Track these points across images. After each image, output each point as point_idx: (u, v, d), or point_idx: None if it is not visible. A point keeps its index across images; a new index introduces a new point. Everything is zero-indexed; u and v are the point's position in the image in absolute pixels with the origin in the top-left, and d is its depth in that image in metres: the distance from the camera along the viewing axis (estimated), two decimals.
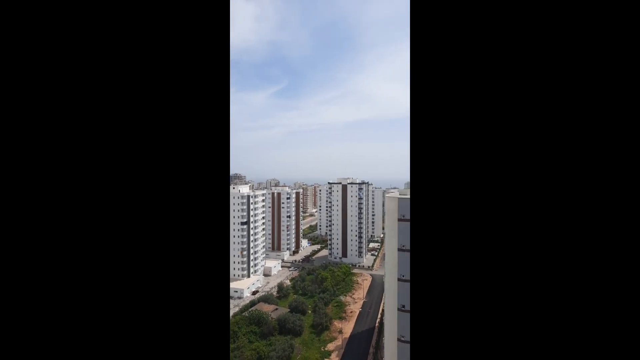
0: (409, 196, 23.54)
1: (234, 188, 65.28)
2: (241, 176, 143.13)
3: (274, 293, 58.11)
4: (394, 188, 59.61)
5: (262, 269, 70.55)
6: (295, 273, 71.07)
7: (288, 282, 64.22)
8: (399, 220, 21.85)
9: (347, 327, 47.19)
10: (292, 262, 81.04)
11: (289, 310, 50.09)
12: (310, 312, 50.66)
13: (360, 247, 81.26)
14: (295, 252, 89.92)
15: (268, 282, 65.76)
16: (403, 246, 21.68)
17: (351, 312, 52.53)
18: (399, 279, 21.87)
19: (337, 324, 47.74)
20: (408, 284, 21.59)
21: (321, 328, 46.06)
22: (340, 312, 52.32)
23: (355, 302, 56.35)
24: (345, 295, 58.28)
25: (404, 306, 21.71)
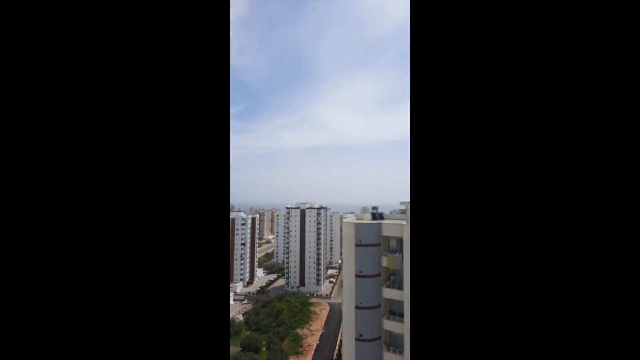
0: (365, 221, 23.92)
1: None
2: None
3: None
4: (351, 213, 60.89)
5: None
6: (249, 306, 66.00)
7: (240, 317, 59.09)
8: (356, 245, 21.85)
9: None
10: (245, 295, 75.41)
11: (240, 349, 45.53)
12: (264, 349, 46.69)
13: (318, 275, 79.47)
14: (249, 283, 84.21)
15: None
16: (360, 272, 21.53)
17: (308, 345, 49.75)
18: (356, 307, 21.39)
19: None
20: (365, 312, 21.18)
21: None
22: (297, 346, 49.21)
23: (312, 334, 53.72)
24: (303, 328, 55.38)
25: (361, 335, 21.08)
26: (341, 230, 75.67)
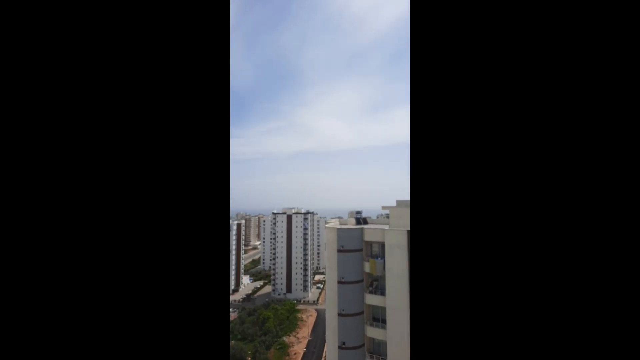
0: (348, 226, 23.75)
1: None
2: None
3: None
4: (338, 217, 60.61)
5: None
6: (234, 315, 64.32)
7: None
8: (339, 251, 21.61)
9: None
10: (231, 303, 73.54)
11: None
12: (249, 359, 45.41)
13: (305, 281, 78.55)
14: (235, 291, 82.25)
15: None
16: (343, 278, 21.26)
17: (295, 353, 48.85)
18: (339, 314, 21.05)
19: None
20: (348, 319, 20.87)
21: None
22: (284, 355, 48.22)
23: (299, 341, 52.83)
24: (289, 335, 54.41)
25: (344, 343, 20.73)
26: None
